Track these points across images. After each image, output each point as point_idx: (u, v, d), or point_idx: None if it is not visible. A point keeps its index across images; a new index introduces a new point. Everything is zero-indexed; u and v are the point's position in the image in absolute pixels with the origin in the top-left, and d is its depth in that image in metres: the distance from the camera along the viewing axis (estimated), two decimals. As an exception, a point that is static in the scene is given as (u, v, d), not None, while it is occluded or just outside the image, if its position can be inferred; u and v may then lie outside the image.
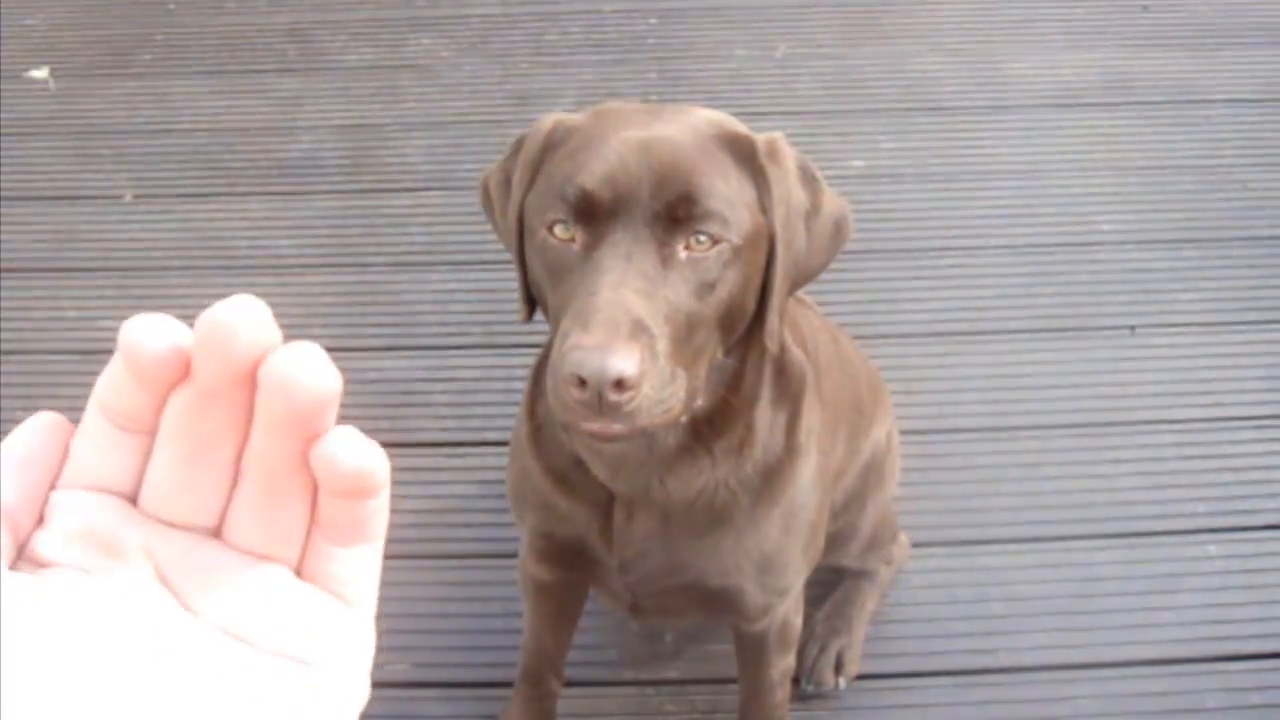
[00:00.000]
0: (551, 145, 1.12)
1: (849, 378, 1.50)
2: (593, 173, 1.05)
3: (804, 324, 1.35)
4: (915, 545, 1.87)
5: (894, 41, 2.81)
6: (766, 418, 1.25)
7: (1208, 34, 2.81)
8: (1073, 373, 2.13)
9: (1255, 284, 2.27)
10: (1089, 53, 2.77)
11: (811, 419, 1.30)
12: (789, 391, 1.27)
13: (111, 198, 2.51)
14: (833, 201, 1.19)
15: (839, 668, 1.73)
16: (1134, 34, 2.82)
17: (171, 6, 2.97)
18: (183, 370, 0.37)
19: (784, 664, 1.54)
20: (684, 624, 1.73)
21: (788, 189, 1.12)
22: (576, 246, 1.06)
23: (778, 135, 1.14)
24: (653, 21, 2.88)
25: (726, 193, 1.07)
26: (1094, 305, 2.25)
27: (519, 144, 1.17)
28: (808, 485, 1.31)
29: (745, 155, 1.10)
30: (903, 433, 1.94)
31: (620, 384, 0.97)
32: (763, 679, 1.55)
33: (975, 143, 2.57)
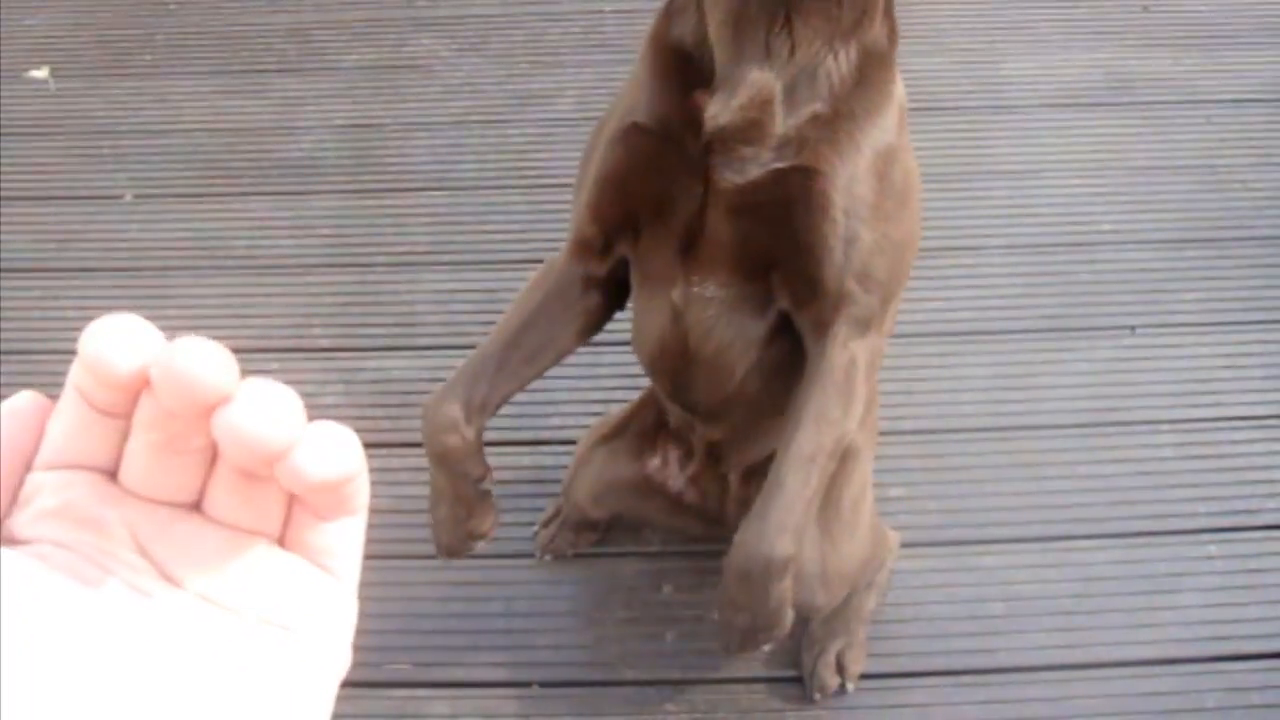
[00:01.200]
0: None
1: (912, 233, 1.40)
2: None
3: None
4: (916, 545, 1.87)
5: (894, 41, 2.81)
6: (879, 6, 1.20)
7: (1208, 34, 2.81)
8: (1073, 373, 2.13)
9: (1256, 284, 2.27)
10: (1089, 53, 2.77)
11: (899, 85, 1.26)
12: (891, 13, 1.23)
13: (112, 198, 2.51)
14: None
15: (840, 670, 1.73)
16: (1134, 34, 2.82)
17: (172, 6, 2.97)
18: (147, 382, 0.37)
19: (838, 428, 1.26)
20: (728, 287, 1.32)
21: None
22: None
23: None
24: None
25: None
26: (1094, 305, 2.25)
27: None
28: (896, 131, 1.25)
29: None
30: (903, 433, 1.95)
31: None
32: (804, 436, 1.26)
33: (975, 143, 2.57)
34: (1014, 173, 2.50)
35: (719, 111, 1.19)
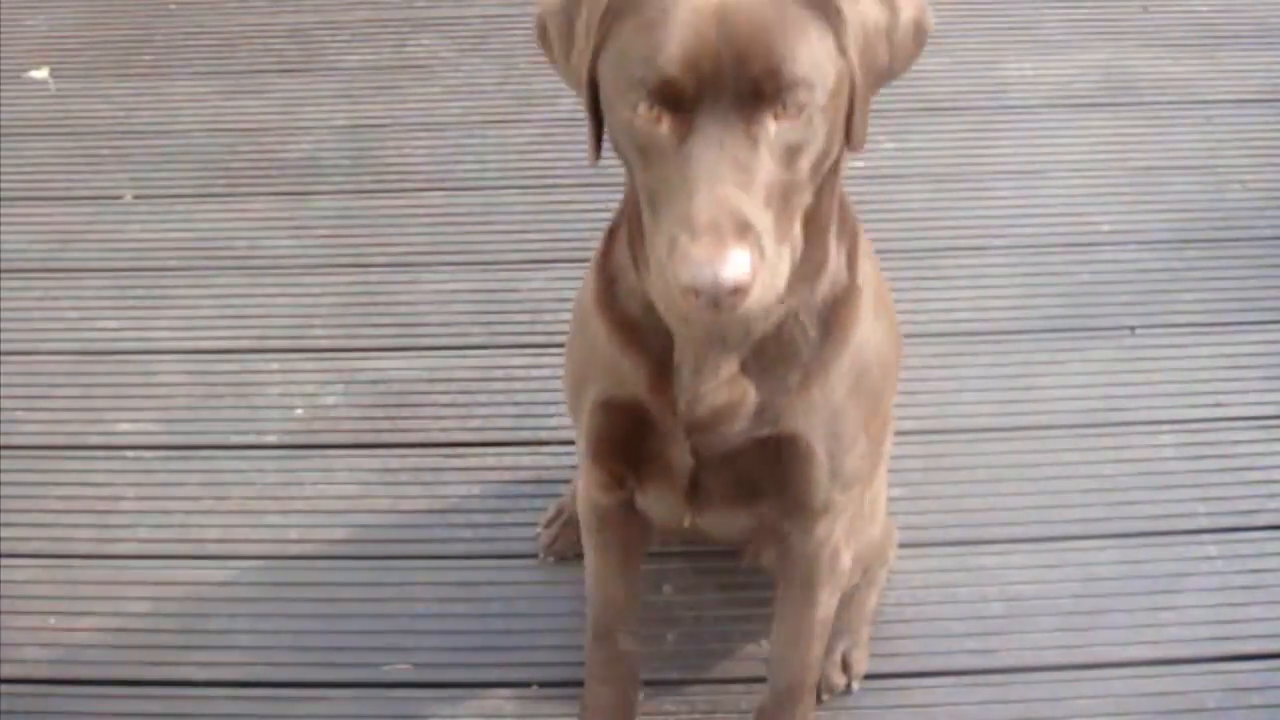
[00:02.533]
0: (619, 11, 1.08)
1: (892, 341, 1.47)
2: (672, 57, 1.02)
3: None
4: (916, 545, 1.87)
5: (894, 42, 2.81)
6: (834, 245, 1.25)
7: (1208, 34, 2.81)
8: (1073, 373, 2.13)
9: (1255, 284, 2.27)
10: (1089, 53, 2.77)
11: (867, 265, 1.32)
12: (846, 224, 1.28)
13: (112, 198, 2.51)
14: (910, 5, 1.17)
15: (846, 669, 1.73)
16: (1134, 35, 2.82)
17: (172, 7, 2.97)
18: None
19: (828, 606, 1.52)
20: (737, 529, 1.58)
21: (862, 14, 1.10)
22: (664, 129, 1.04)
23: None
24: (653, 22, 2.87)
25: (809, 53, 1.05)
26: (1094, 305, 2.25)
27: None
28: (870, 331, 1.31)
29: (819, 2, 1.07)
30: (904, 433, 1.94)
31: (735, 291, 0.99)
32: (805, 620, 1.52)
33: (976, 143, 2.57)
34: (1014, 173, 2.50)
35: (691, 401, 1.26)
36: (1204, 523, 1.92)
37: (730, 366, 1.25)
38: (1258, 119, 2.60)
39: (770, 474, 1.35)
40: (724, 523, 1.48)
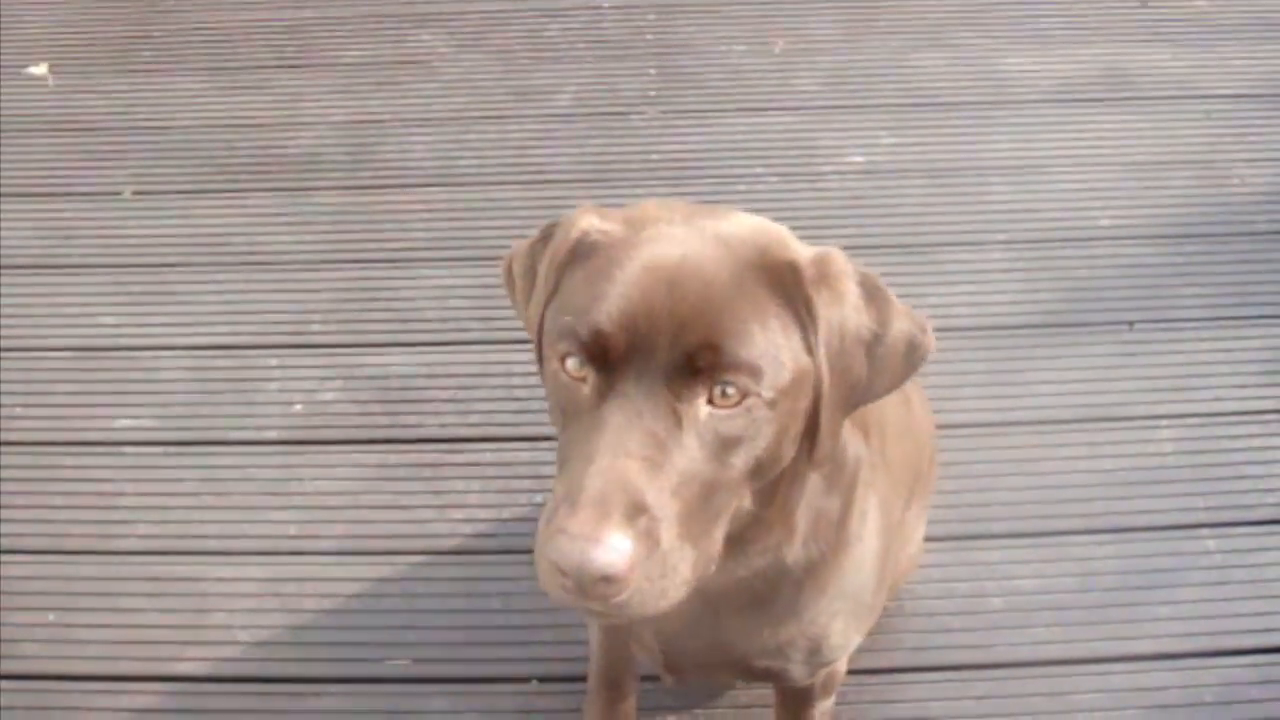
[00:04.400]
0: (579, 255, 1.02)
1: (915, 444, 1.42)
2: (609, 313, 0.93)
3: None
4: (914, 540, 1.88)
5: (893, 37, 2.81)
6: (810, 516, 1.14)
7: (1206, 29, 2.81)
8: (1072, 368, 2.13)
9: (1253, 279, 2.27)
10: (1088, 48, 2.77)
11: (867, 503, 1.20)
12: (840, 483, 1.16)
13: (111, 194, 2.51)
14: (905, 320, 1.04)
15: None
16: (1132, 29, 2.82)
17: (171, 2, 2.97)
18: None
19: (827, 703, 1.52)
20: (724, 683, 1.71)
21: (841, 317, 0.99)
22: (587, 389, 0.95)
23: (833, 253, 1.01)
24: (651, 17, 2.88)
25: (762, 340, 0.94)
26: (1092, 300, 2.25)
27: (548, 233, 1.09)
28: (861, 574, 1.22)
29: (789, 286, 0.97)
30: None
31: (606, 579, 0.87)
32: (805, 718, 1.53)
33: (974, 138, 2.57)
34: (1013, 168, 2.50)
35: (653, 629, 1.23)
36: (1202, 517, 1.92)
37: (697, 602, 1.13)
38: (1257, 113, 2.60)
39: (745, 678, 1.35)
40: (708, 682, 1.47)
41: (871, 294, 1.02)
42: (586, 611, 0.91)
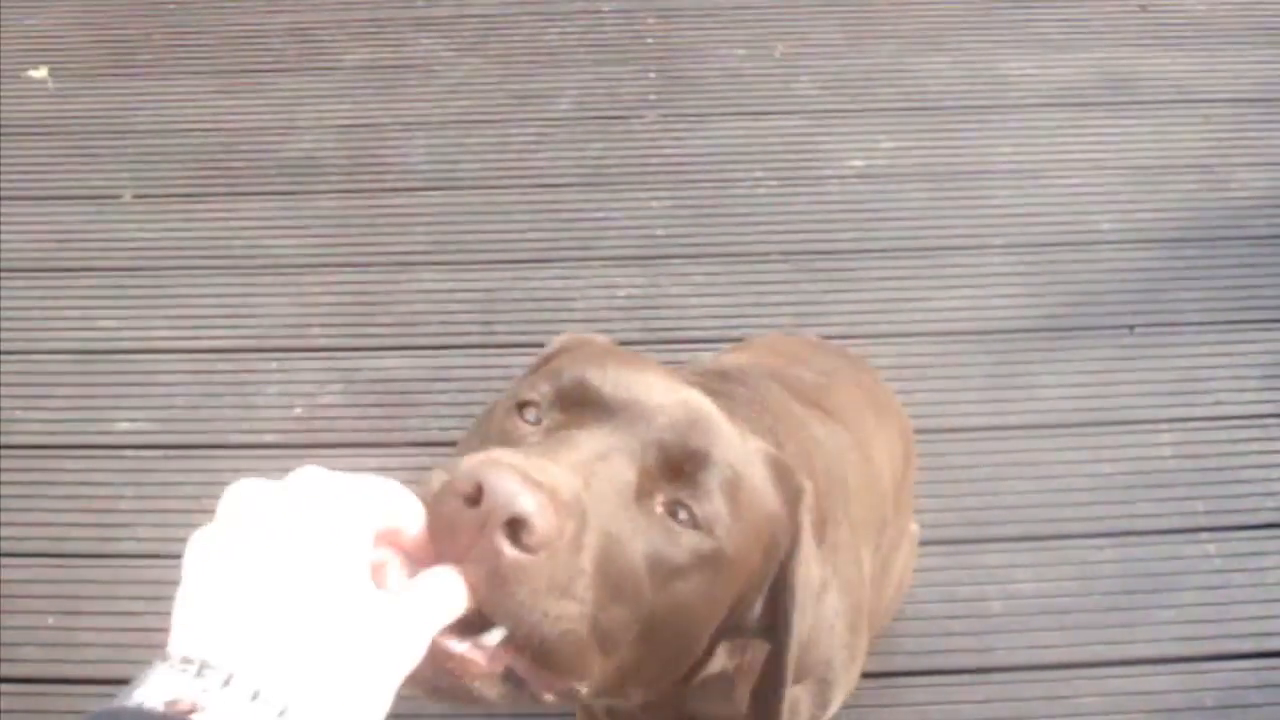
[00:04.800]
0: (564, 350, 0.93)
1: (876, 494, 1.37)
2: (607, 373, 0.85)
3: (833, 443, 1.23)
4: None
5: (893, 41, 2.81)
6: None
7: (1206, 34, 2.81)
8: (1072, 372, 2.13)
9: (1254, 283, 2.27)
10: (1087, 53, 2.77)
11: (827, 607, 1.12)
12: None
13: (111, 197, 2.51)
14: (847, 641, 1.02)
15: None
16: (1132, 34, 2.82)
17: (171, 6, 2.97)
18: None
19: None
20: None
21: (810, 551, 0.93)
22: (535, 430, 0.85)
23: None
24: (651, 21, 2.88)
25: (746, 488, 0.86)
26: (1093, 304, 2.25)
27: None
28: (814, 662, 1.13)
29: (789, 490, 0.92)
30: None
31: (520, 526, 0.71)
32: None
33: (974, 142, 2.57)
34: (1013, 172, 2.50)
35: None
36: (1203, 521, 1.92)
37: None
38: (1256, 118, 2.61)
39: None
40: None
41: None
42: (467, 556, 0.72)
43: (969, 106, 2.66)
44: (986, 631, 1.80)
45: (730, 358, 1.46)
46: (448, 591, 0.71)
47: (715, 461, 0.84)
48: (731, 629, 0.91)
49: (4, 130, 2.66)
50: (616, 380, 0.85)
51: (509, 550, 0.71)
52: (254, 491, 0.71)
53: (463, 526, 0.71)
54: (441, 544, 0.72)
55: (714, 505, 0.83)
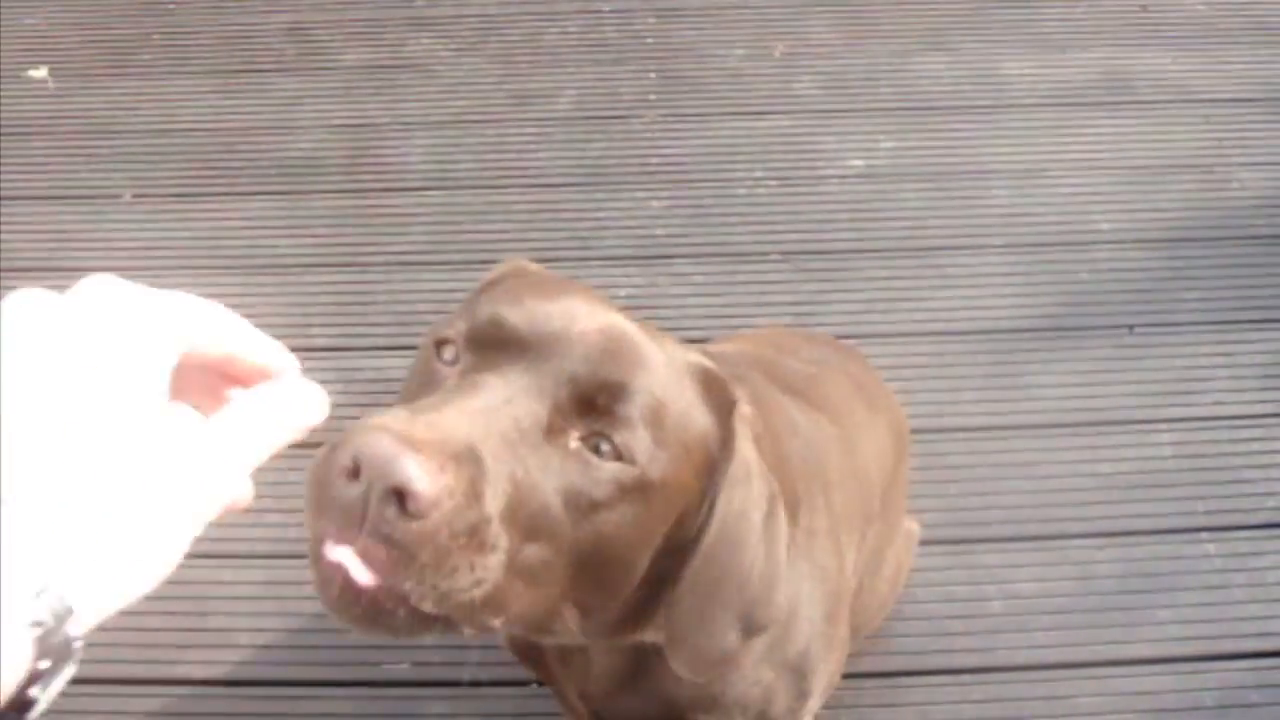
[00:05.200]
0: (497, 280, 0.91)
1: (859, 486, 1.35)
2: (523, 307, 0.83)
3: (815, 432, 1.21)
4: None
5: (892, 41, 2.81)
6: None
7: (1206, 34, 2.81)
8: (1071, 371, 2.13)
9: (1253, 283, 2.27)
10: (1088, 52, 2.77)
11: (799, 586, 1.13)
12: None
13: (110, 197, 2.51)
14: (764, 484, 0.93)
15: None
16: (1132, 34, 2.82)
17: (171, 6, 2.97)
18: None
19: None
20: None
21: (745, 460, 0.89)
22: (451, 373, 0.84)
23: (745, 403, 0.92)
24: (651, 21, 2.88)
25: (671, 412, 0.84)
26: (1092, 304, 2.25)
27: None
28: (788, 648, 1.15)
29: (720, 408, 0.89)
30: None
31: (402, 497, 0.69)
32: None
33: (974, 142, 2.57)
34: (1013, 172, 2.50)
35: (579, 678, 1.15)
36: (1202, 521, 1.92)
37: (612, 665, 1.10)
38: (1256, 118, 2.61)
39: None
40: None
41: (763, 477, 0.92)
42: (341, 543, 0.71)
43: (969, 106, 2.66)
44: (986, 631, 1.80)
45: (719, 345, 1.46)
46: (282, 403, 0.65)
47: (634, 390, 0.82)
48: (675, 549, 0.89)
49: (4, 130, 2.66)
50: (533, 315, 0.83)
51: (399, 522, 0.68)
52: (31, 307, 0.61)
53: (348, 503, 0.69)
54: (331, 524, 0.70)
55: (634, 434, 0.81)
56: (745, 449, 0.89)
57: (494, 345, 0.82)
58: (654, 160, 2.55)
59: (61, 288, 0.63)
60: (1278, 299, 2.24)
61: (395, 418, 0.73)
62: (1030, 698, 1.73)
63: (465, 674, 1.77)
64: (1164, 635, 1.79)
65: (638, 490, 0.82)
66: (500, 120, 2.66)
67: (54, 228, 2.44)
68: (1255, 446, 2.02)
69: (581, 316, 0.84)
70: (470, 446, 0.74)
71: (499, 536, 0.75)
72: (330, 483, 0.71)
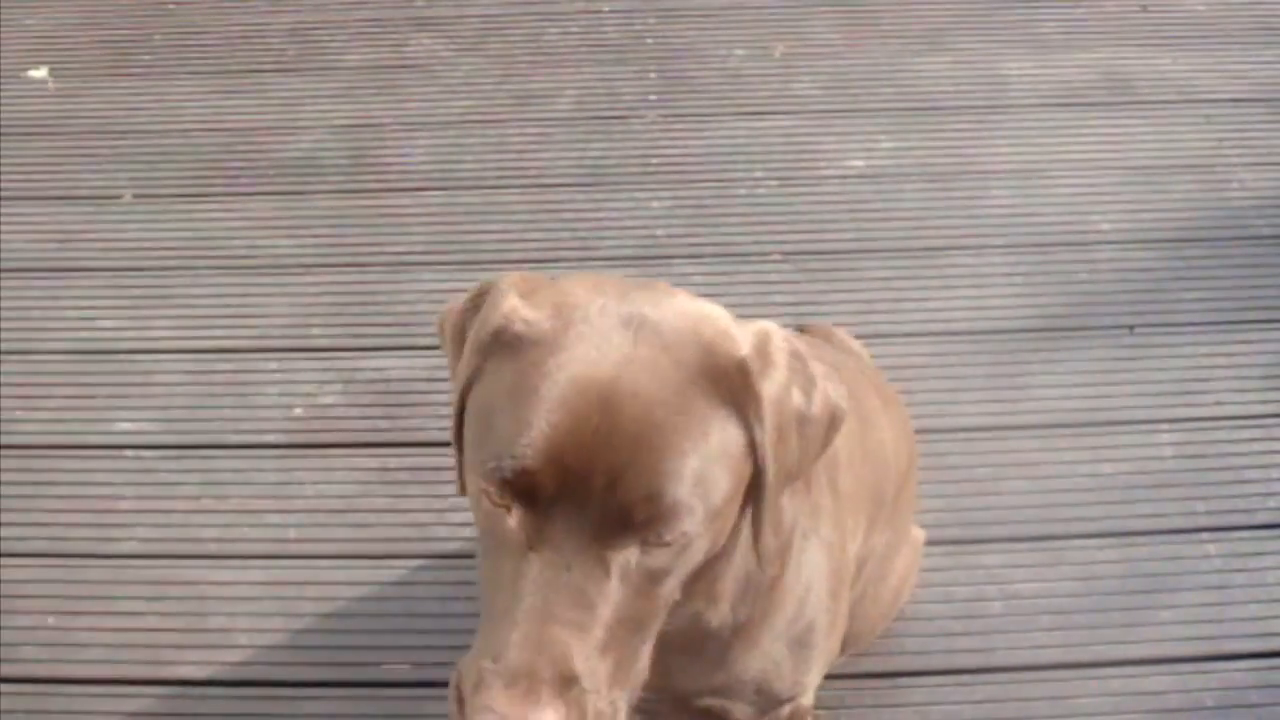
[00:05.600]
0: (502, 345, 0.93)
1: (872, 466, 1.37)
2: (536, 448, 0.87)
3: None
4: (914, 544, 1.87)
5: (893, 41, 2.81)
6: (739, 582, 1.11)
7: (1206, 33, 2.81)
8: (1072, 372, 2.13)
9: (1254, 283, 2.27)
10: (1088, 52, 2.77)
11: (806, 553, 1.16)
12: (780, 531, 1.11)
13: (111, 197, 2.51)
14: (827, 392, 1.01)
15: None
16: (1133, 34, 2.82)
17: (171, 6, 2.97)
18: None
19: None
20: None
21: (780, 403, 0.94)
22: (513, 523, 0.90)
23: (770, 333, 0.96)
24: (651, 21, 2.88)
25: (701, 470, 0.89)
26: (1093, 304, 2.25)
27: (477, 302, 1.03)
28: (796, 621, 1.19)
29: (735, 388, 0.92)
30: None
31: None
32: None
33: (974, 142, 2.57)
34: (1013, 172, 2.50)
35: None
36: (1203, 521, 1.92)
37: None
38: (1257, 118, 2.60)
39: (695, 715, 1.28)
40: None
41: (798, 369, 0.97)
42: None
43: (969, 106, 2.66)
44: (986, 632, 1.80)
45: None
46: None
47: (666, 493, 0.87)
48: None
49: (4, 130, 2.66)
50: (553, 460, 0.87)
51: None
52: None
53: None
54: None
55: (685, 519, 0.89)
56: (769, 390, 0.93)
57: (532, 494, 0.88)
58: (654, 160, 2.55)
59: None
60: (1278, 299, 2.24)
61: (496, 692, 0.84)
62: (1031, 698, 1.73)
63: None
64: (1164, 635, 1.79)
65: (703, 532, 0.91)
66: (501, 120, 2.66)
67: (54, 228, 2.44)
68: (1256, 447, 2.02)
69: (589, 427, 0.87)
70: (562, 672, 0.85)
71: (613, 689, 0.90)
72: None
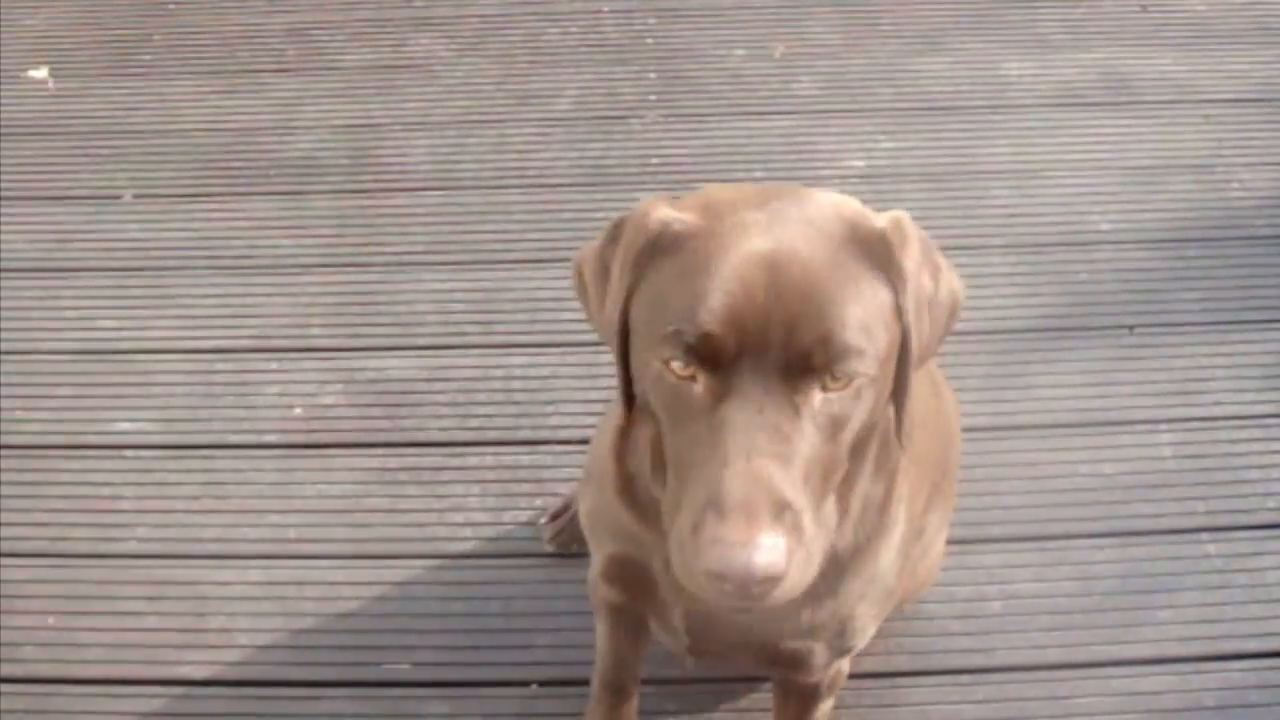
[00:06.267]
0: (661, 248, 0.99)
1: (941, 435, 1.41)
2: (715, 314, 0.94)
3: None
4: (914, 544, 1.87)
5: (893, 41, 2.81)
6: (862, 497, 1.16)
7: (1206, 34, 2.81)
8: (1071, 372, 2.13)
9: (1253, 283, 2.27)
10: (1088, 53, 2.77)
11: (902, 489, 1.22)
12: (886, 465, 1.18)
13: (110, 197, 2.51)
14: (950, 280, 1.09)
15: None
16: (1132, 34, 2.82)
17: (171, 6, 2.97)
18: None
19: (827, 705, 1.49)
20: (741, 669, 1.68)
21: (918, 277, 1.03)
22: (699, 388, 0.95)
23: (903, 218, 1.05)
24: (651, 21, 2.88)
25: (864, 318, 0.96)
26: (1092, 304, 2.25)
27: (617, 230, 1.07)
28: (892, 557, 1.24)
29: (880, 255, 1.01)
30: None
31: (769, 579, 0.90)
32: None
33: (974, 142, 2.57)
34: (1013, 172, 2.51)
35: (689, 597, 1.20)
36: (1202, 521, 1.92)
37: None
38: (1257, 118, 2.61)
39: (768, 664, 1.35)
40: (727, 668, 1.45)
41: (929, 257, 1.06)
42: (736, 609, 0.95)
43: (969, 107, 2.66)
44: (986, 632, 1.80)
45: None
46: None
47: (837, 335, 0.94)
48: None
49: (4, 130, 2.67)
50: (732, 321, 0.93)
51: (772, 590, 0.92)
52: None
53: (730, 599, 0.91)
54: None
55: (858, 359, 0.95)
56: (908, 264, 1.01)
57: (715, 358, 0.94)
58: (654, 160, 2.55)
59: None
60: (1278, 299, 2.24)
61: (722, 525, 0.90)
62: (1030, 698, 1.73)
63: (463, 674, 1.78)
64: (1164, 635, 1.79)
65: (871, 381, 0.97)
66: (501, 120, 2.66)
67: (54, 228, 2.44)
68: (1256, 447, 2.02)
69: (761, 289, 0.94)
70: (776, 499, 0.91)
71: (816, 525, 0.96)
72: (710, 587, 0.92)
